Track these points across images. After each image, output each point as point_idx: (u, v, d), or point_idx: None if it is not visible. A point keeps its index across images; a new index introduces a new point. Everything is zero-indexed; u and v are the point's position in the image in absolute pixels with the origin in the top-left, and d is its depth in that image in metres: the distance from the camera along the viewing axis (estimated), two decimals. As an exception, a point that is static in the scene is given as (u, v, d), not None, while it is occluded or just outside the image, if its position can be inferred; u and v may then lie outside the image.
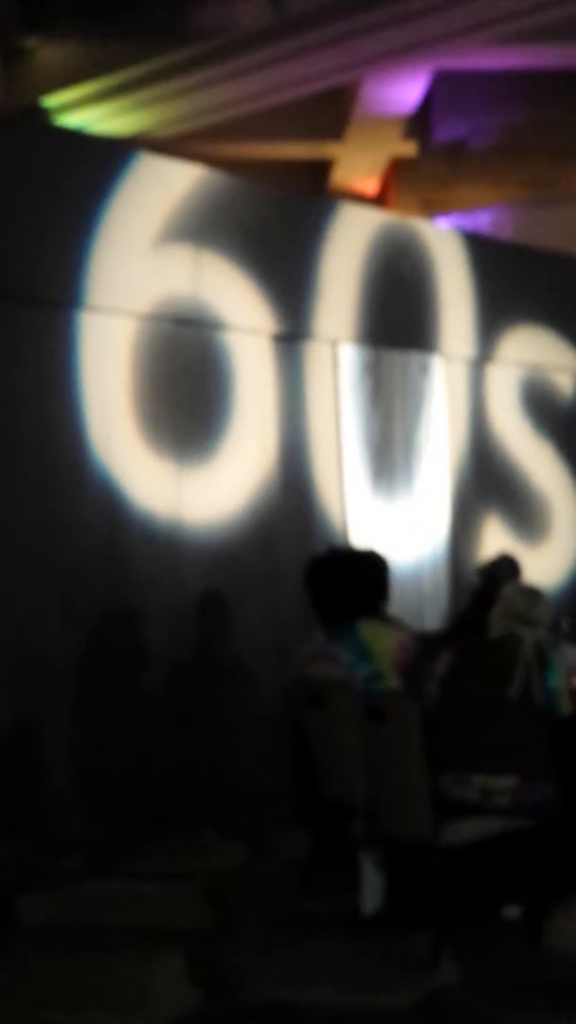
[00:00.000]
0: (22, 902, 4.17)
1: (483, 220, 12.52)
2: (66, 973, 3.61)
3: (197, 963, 3.64)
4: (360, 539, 6.04)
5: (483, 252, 7.04)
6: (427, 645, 4.37)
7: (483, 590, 4.94)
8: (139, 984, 3.50)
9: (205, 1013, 3.34)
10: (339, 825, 4.12)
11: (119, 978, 3.55)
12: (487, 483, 7.00)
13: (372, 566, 4.37)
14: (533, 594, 4.02)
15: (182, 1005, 3.37)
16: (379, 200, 13.75)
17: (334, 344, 6.12)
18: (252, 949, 3.74)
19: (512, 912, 3.94)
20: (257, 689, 5.49)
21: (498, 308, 7.02)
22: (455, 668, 3.99)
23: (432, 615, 6.52)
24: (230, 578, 5.49)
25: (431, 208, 13.02)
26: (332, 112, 11.79)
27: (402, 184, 13.32)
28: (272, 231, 5.78)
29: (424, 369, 6.61)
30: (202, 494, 5.43)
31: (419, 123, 12.18)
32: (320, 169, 13.47)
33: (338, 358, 6.13)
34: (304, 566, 4.40)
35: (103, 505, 5.05)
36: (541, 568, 7.00)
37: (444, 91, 11.42)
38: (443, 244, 6.83)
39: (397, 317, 6.47)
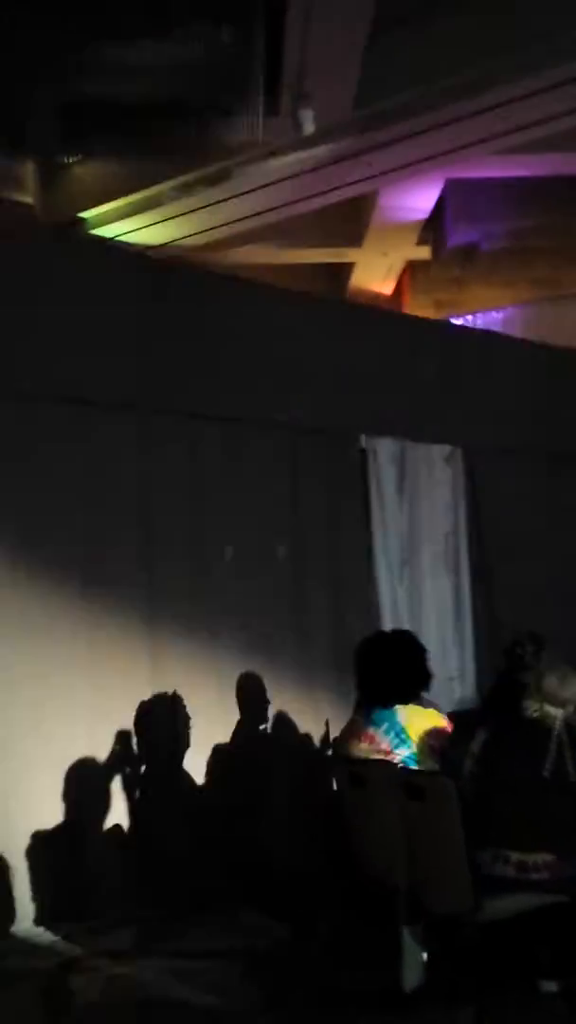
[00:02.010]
0: (74, 981, 4.26)
1: (495, 319, 12.94)
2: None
3: (244, 1040, 3.74)
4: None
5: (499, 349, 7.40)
6: (460, 724, 4.52)
7: (508, 670, 5.07)
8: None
9: None
10: (379, 902, 4.23)
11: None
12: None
13: (419, 651, 4.52)
14: (565, 674, 4.16)
15: None
16: (394, 301, 14.19)
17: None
18: (297, 1026, 3.84)
19: (549, 986, 4.02)
20: (298, 768, 5.62)
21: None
22: (489, 746, 4.12)
23: (461, 686, 6.75)
24: (264, 661, 5.67)
25: (444, 309, 13.44)
26: (351, 220, 12.27)
27: (417, 286, 13.78)
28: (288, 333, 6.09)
29: (446, 459, 6.93)
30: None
31: (433, 229, 12.64)
32: (339, 272, 13.95)
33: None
34: (355, 647, 4.57)
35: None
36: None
37: (456, 199, 11.85)
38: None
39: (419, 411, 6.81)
